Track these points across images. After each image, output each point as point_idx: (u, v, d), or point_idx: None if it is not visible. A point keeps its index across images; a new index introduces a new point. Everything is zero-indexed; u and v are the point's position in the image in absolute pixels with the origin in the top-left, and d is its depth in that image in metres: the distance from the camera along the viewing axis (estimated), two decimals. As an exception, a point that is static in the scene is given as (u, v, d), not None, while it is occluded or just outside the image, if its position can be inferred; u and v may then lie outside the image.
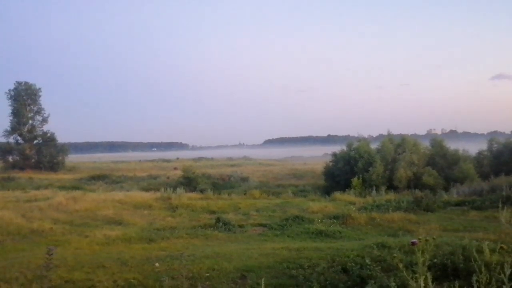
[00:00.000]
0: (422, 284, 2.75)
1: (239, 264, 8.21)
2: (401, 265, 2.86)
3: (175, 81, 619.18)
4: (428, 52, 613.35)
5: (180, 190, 24.15)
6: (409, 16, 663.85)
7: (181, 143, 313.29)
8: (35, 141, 62.69)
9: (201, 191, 27.50)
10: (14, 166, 58.39)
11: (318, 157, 79.99)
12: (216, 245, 11.32)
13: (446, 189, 25.42)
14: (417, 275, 2.83)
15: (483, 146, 36.77)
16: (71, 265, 8.25)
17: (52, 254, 3.59)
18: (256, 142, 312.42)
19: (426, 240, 2.85)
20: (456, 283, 3.33)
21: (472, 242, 8.04)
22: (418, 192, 21.64)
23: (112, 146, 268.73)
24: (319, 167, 40.49)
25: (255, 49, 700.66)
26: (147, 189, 30.15)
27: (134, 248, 10.96)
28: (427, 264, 2.83)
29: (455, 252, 7.26)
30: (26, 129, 61.73)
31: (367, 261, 7.29)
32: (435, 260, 6.82)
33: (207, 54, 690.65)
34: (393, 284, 3.26)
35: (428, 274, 2.84)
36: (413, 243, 2.80)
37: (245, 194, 25.78)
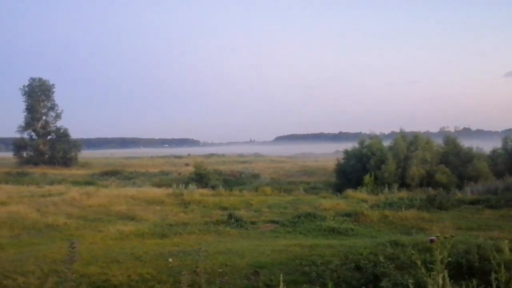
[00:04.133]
0: (440, 282, 2.73)
1: (251, 260, 8.23)
2: (419, 263, 2.84)
3: (187, 78, 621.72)
4: (438, 49, 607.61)
5: (192, 186, 24.26)
6: (420, 12, 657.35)
7: (192, 139, 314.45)
8: (49, 137, 63.24)
9: (213, 187, 27.58)
10: (28, 161, 59.02)
11: (330, 154, 79.58)
12: (229, 241, 11.36)
13: (460, 187, 25.13)
14: (434, 273, 2.81)
15: (497, 144, 36.28)
16: (86, 260, 8.34)
17: (74, 247, 3.64)
18: (267, 138, 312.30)
19: (445, 238, 2.83)
20: (474, 282, 3.30)
21: (487, 241, 7.95)
22: (431, 190, 21.44)
23: (124, 142, 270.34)
24: (331, 164, 40.29)
25: (266, 46, 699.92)
26: (159, 185, 30.33)
27: (147, 243, 11.05)
28: (445, 262, 2.81)
29: (470, 251, 7.20)
30: (40, 125, 62.33)
31: (380, 258, 7.26)
32: (450, 258, 6.75)
33: (219, 51, 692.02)
34: (410, 281, 3.24)
35: (445, 272, 2.82)
36: (431, 241, 2.79)
37: (256, 190, 25.76)
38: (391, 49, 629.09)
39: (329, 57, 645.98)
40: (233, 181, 36.92)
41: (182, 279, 4.55)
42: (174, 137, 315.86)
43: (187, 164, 53.40)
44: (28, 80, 62.84)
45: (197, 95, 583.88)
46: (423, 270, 2.82)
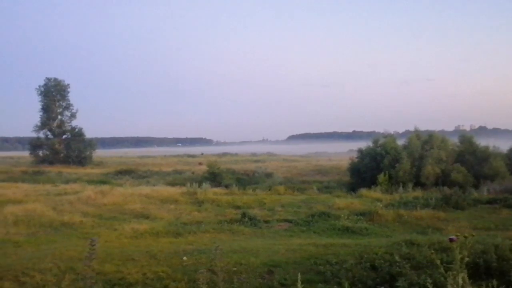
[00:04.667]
0: (461, 282, 2.69)
1: (266, 259, 8.23)
2: (438, 262, 2.80)
3: (201, 78, 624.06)
4: (454, 47, 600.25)
5: (205, 185, 24.31)
6: (434, 10, 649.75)
7: (205, 138, 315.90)
8: (64, 136, 63.92)
9: (226, 186, 27.61)
10: (44, 160, 59.73)
11: (343, 153, 79.21)
12: (243, 240, 11.38)
13: (476, 186, 24.79)
14: (453, 272, 2.77)
15: (515, 143, 35.70)
16: (102, 258, 8.40)
17: (94, 245, 3.68)
18: (280, 138, 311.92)
19: (465, 237, 2.79)
20: (494, 282, 3.25)
21: (505, 241, 7.84)
22: (446, 189, 21.16)
23: (138, 141, 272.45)
24: (344, 163, 40.08)
25: (279, 45, 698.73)
26: (173, 184, 30.41)
27: (161, 241, 11.13)
28: (464, 262, 2.77)
29: (487, 251, 7.10)
30: (55, 124, 63.02)
31: (396, 258, 7.19)
32: (467, 259, 6.67)
33: (231, 50, 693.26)
34: (428, 281, 3.20)
35: (465, 272, 2.78)
36: (451, 240, 2.75)
37: (269, 189, 25.70)
38: (407, 47, 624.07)
39: (343, 55, 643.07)
40: (246, 180, 36.87)
41: (199, 277, 4.57)
42: (188, 136, 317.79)
43: (200, 163, 53.54)
44: (44, 80, 63.60)
45: (210, 95, 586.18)
46: (442, 269, 2.78)
